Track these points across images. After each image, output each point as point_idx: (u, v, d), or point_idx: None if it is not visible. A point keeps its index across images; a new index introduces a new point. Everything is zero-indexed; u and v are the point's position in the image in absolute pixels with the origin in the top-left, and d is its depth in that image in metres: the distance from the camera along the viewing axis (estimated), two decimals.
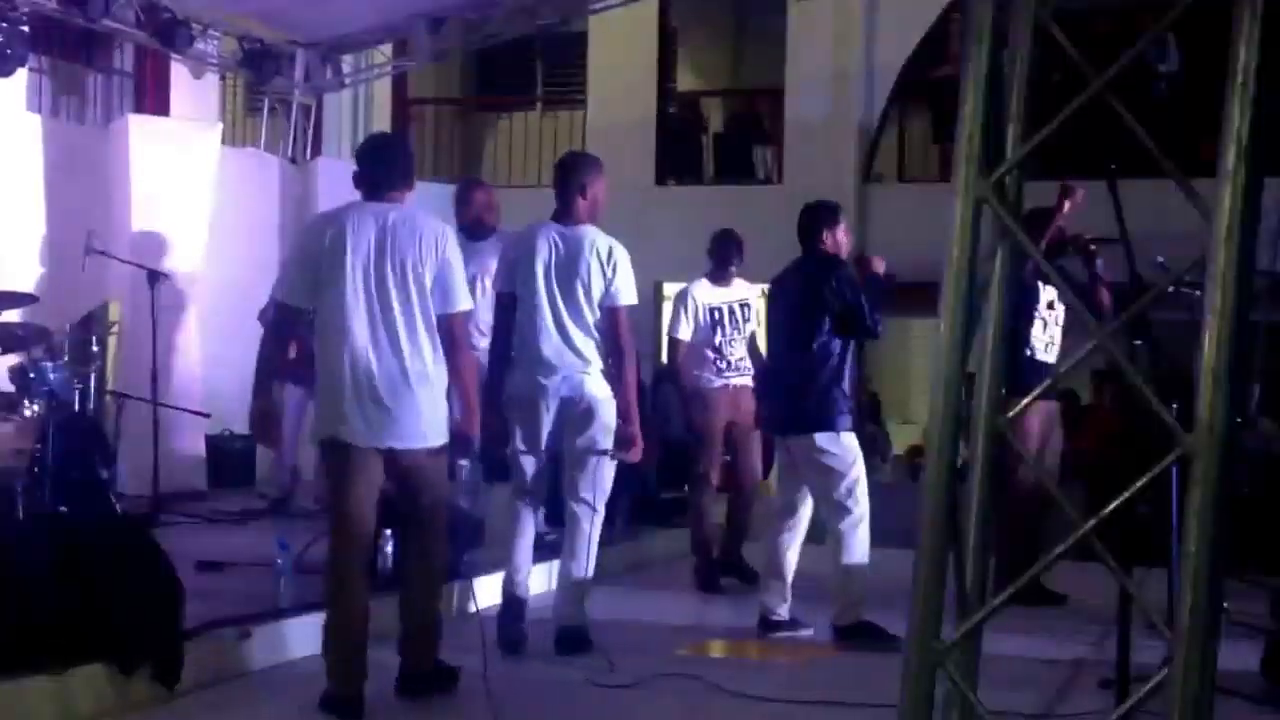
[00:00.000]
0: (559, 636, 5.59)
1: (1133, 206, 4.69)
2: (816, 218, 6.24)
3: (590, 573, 5.58)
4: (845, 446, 5.95)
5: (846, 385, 6.00)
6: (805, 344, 5.98)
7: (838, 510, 5.95)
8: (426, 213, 4.94)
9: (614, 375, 5.56)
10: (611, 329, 5.51)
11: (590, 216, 5.61)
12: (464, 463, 7.00)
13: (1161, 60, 12.46)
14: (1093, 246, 6.58)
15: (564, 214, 5.62)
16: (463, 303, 4.81)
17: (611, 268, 5.50)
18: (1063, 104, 2.11)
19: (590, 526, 5.56)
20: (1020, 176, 2.19)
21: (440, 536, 4.92)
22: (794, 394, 6.01)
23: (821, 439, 5.92)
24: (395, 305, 4.66)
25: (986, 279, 2.16)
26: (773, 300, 6.34)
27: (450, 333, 4.77)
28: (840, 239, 6.22)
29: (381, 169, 4.88)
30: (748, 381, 7.55)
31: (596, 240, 5.54)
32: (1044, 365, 6.75)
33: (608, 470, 5.57)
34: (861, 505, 5.90)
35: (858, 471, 5.91)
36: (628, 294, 5.55)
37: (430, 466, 4.84)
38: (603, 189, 5.66)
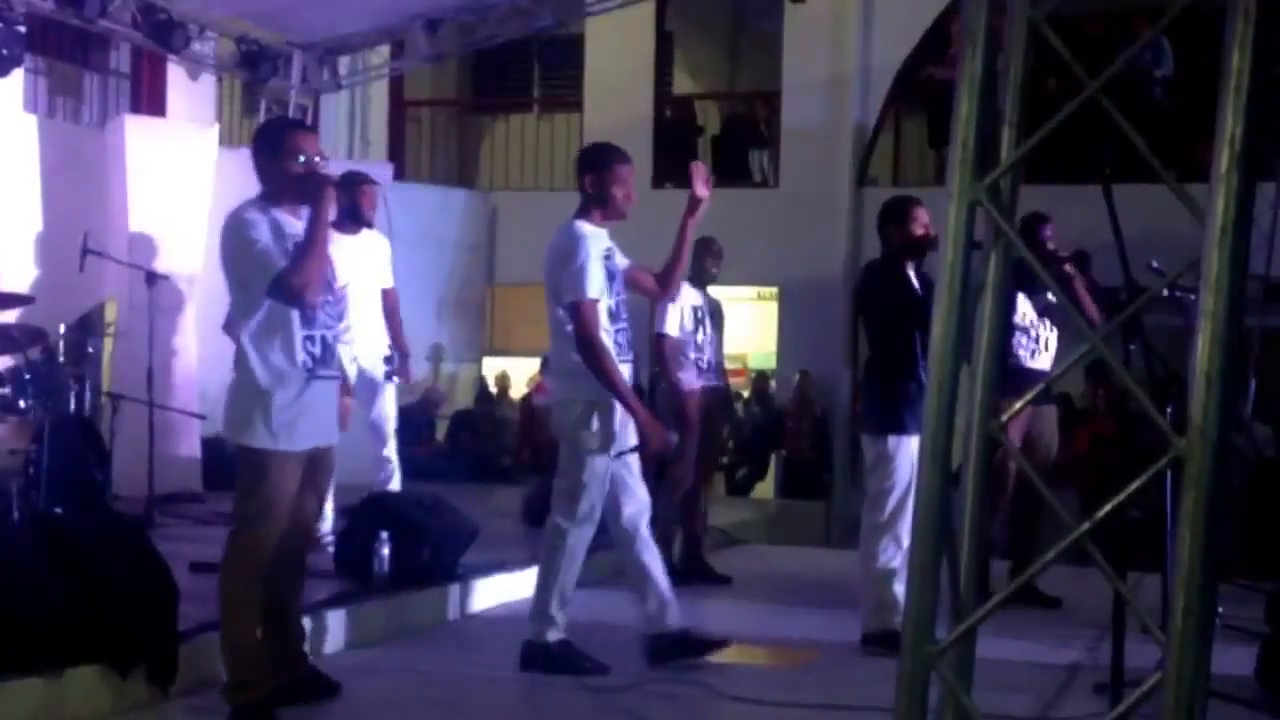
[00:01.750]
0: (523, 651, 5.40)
1: (1128, 210, 4.70)
2: (881, 216, 6.11)
3: (548, 589, 5.32)
4: (881, 452, 5.81)
5: (915, 385, 5.71)
6: (870, 344, 6.08)
7: (865, 514, 5.95)
8: (243, 206, 4.55)
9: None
10: (572, 327, 5.18)
11: (598, 211, 5.30)
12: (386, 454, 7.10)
13: (1158, 65, 12.48)
14: (1067, 267, 6.43)
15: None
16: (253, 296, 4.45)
17: (557, 261, 5.22)
18: (1058, 109, 2.11)
19: (552, 540, 5.35)
20: (1014, 180, 2.19)
21: (231, 536, 4.58)
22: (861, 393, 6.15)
23: (864, 440, 5.97)
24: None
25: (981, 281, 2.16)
26: None
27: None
28: (911, 234, 5.92)
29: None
30: (714, 383, 7.64)
31: (558, 234, 5.32)
32: (1029, 372, 6.69)
33: (576, 479, 5.27)
34: (886, 514, 5.78)
35: (891, 482, 5.75)
36: (572, 287, 5.15)
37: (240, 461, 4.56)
38: (611, 178, 5.26)
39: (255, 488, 4.45)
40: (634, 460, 5.36)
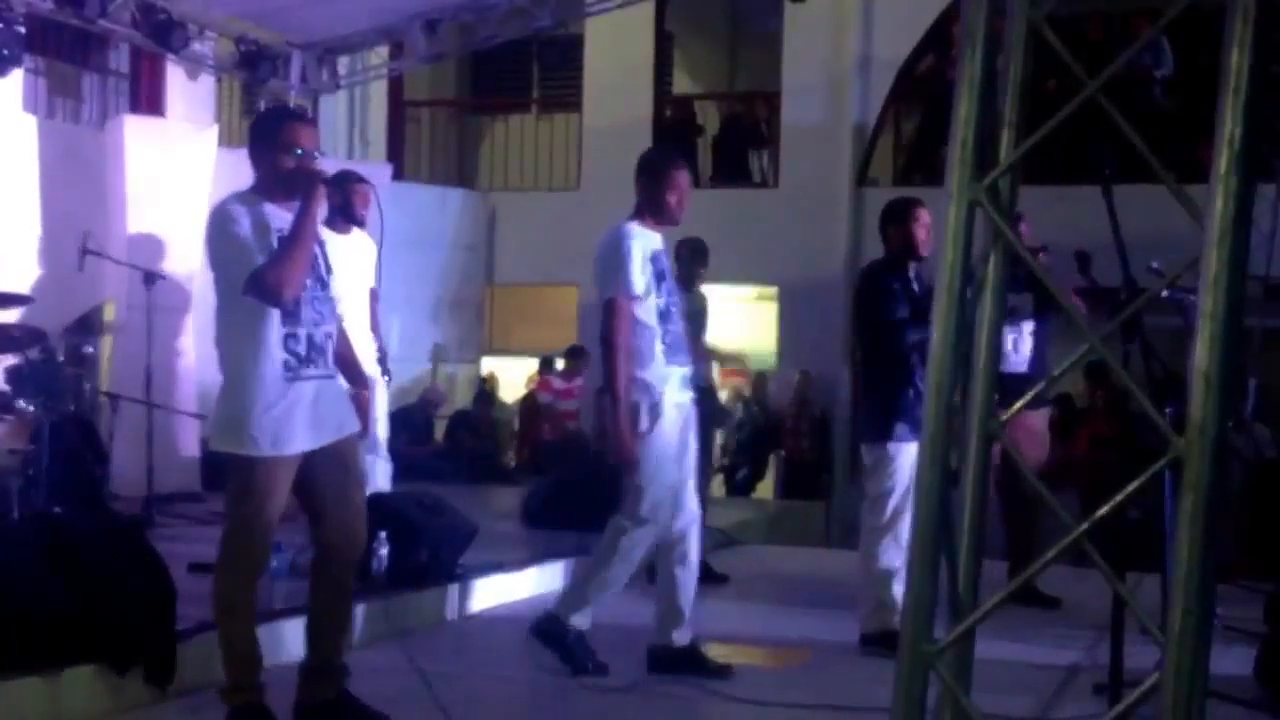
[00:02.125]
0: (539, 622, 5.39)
1: (1128, 211, 4.70)
2: (882, 217, 6.11)
3: (590, 579, 5.34)
4: (880, 457, 5.82)
5: (913, 391, 5.74)
6: (865, 349, 6.05)
7: (864, 515, 5.96)
8: (229, 198, 4.38)
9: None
10: (602, 321, 5.22)
11: (651, 216, 5.32)
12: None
13: (1158, 65, 12.48)
14: (1041, 256, 6.15)
15: None
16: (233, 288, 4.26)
17: (601, 259, 5.25)
18: (1057, 110, 2.11)
19: (610, 536, 5.28)
20: (1014, 180, 2.19)
21: (223, 540, 4.40)
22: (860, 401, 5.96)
23: (864, 448, 5.97)
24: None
25: (980, 281, 2.16)
26: None
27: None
28: (912, 235, 5.96)
29: None
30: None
31: (607, 233, 5.33)
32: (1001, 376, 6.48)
33: (636, 480, 5.17)
34: (886, 515, 5.79)
35: (891, 485, 5.77)
36: (610, 284, 5.17)
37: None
38: (667, 184, 5.28)
39: (244, 494, 4.31)
40: (690, 471, 5.33)
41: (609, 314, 5.16)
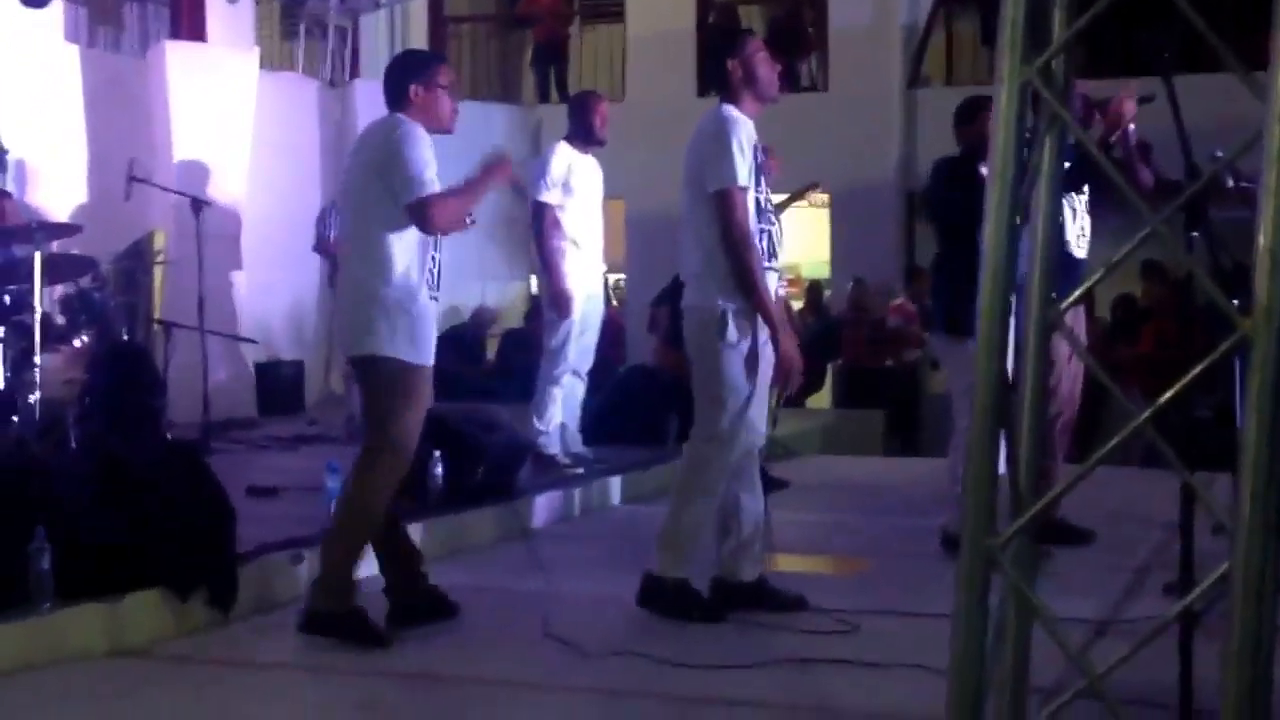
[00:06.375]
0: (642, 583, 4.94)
1: (1189, 101, 4.55)
2: (954, 117, 5.98)
3: (677, 519, 4.83)
4: (960, 353, 5.42)
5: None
6: (939, 242, 5.93)
7: (956, 419, 5.78)
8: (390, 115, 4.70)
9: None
10: (721, 217, 4.75)
11: (748, 94, 4.95)
12: None
13: None
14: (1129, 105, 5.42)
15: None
16: (416, 191, 4.47)
17: (703, 147, 4.84)
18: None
19: (687, 463, 4.87)
20: (1067, 61, 2.10)
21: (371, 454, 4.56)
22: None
23: (935, 338, 5.78)
24: (353, 210, 4.63)
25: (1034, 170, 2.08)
26: None
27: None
28: (984, 133, 5.62)
29: (384, 87, 4.84)
30: None
31: (705, 119, 4.97)
32: (1079, 261, 6.00)
33: (714, 393, 4.76)
34: (968, 417, 5.64)
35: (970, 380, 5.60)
36: (719, 175, 4.73)
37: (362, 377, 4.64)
38: (754, 58, 4.96)
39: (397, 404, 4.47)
40: (767, 382, 4.84)
41: (729, 204, 4.65)
